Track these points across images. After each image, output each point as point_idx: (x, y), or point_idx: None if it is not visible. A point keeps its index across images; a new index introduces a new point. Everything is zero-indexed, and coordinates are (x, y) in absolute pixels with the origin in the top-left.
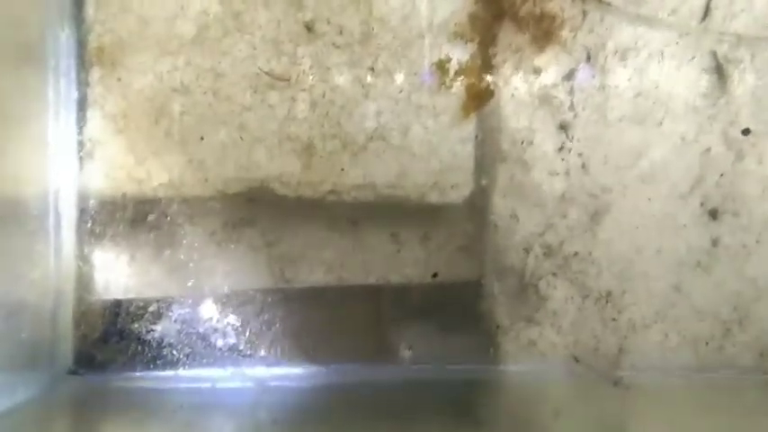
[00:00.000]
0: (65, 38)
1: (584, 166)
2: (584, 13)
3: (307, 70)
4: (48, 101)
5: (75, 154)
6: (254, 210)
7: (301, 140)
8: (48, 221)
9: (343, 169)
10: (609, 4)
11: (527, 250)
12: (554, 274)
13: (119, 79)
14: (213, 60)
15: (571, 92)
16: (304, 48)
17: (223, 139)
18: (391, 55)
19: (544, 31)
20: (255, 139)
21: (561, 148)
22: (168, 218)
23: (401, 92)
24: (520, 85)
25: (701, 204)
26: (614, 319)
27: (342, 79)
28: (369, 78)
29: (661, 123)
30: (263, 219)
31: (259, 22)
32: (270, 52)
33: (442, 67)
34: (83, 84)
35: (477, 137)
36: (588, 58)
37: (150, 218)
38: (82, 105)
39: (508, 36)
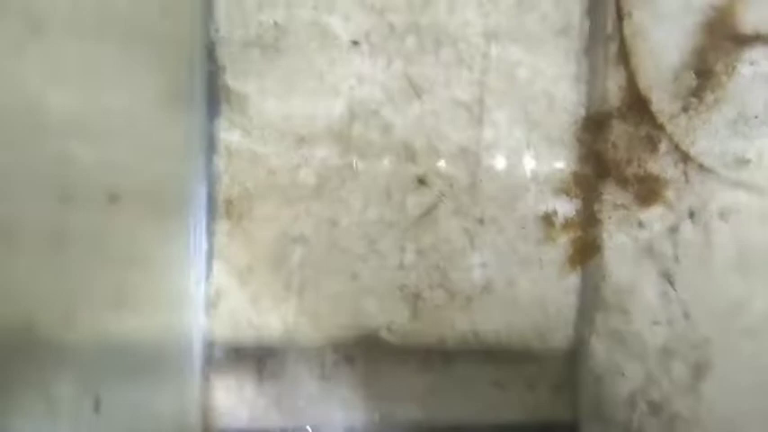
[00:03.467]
0: (197, 191)
1: (686, 314)
2: (687, 176)
3: (416, 219)
4: (186, 253)
5: (202, 303)
6: (360, 353)
7: (410, 290)
8: (177, 369)
9: (451, 322)
10: (710, 170)
11: (632, 405)
12: None
13: (244, 230)
14: (331, 210)
15: (675, 244)
16: (414, 198)
17: (337, 289)
18: (498, 207)
19: (648, 191)
20: (367, 288)
21: (664, 296)
22: (286, 365)
23: (507, 243)
24: (624, 239)
25: None
26: None
27: (449, 229)
28: (475, 229)
29: (765, 277)
30: (367, 360)
31: (374, 174)
32: (383, 202)
33: (548, 220)
34: (211, 235)
35: (580, 288)
36: (691, 215)
37: (269, 364)
38: (209, 256)
39: (612, 194)
